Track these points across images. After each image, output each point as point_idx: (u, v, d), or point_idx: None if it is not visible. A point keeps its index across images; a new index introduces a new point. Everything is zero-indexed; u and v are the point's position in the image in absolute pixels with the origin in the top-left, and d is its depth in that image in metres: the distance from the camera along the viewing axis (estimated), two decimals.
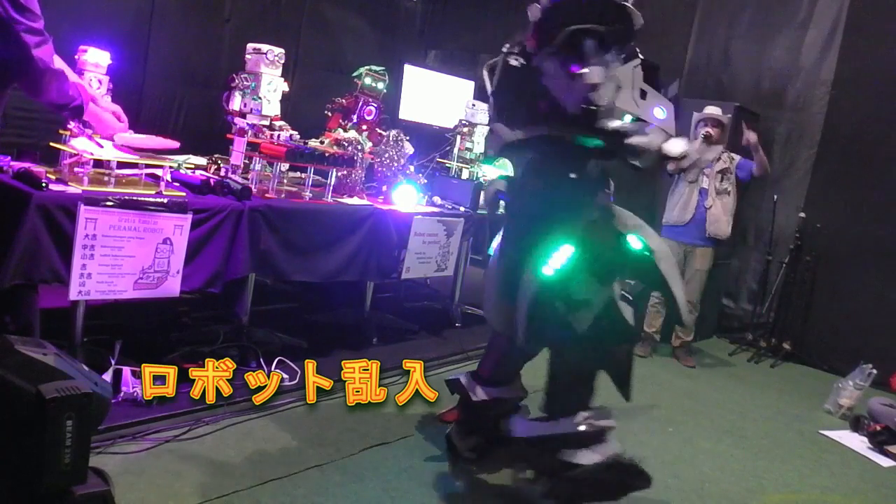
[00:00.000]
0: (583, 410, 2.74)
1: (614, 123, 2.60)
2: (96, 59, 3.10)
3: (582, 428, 2.69)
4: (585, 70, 2.55)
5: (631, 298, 2.87)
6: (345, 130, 4.20)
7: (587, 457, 2.65)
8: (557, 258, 2.63)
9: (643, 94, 2.72)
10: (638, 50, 2.78)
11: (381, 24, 6.48)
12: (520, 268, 2.73)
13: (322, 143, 4.09)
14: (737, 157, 5.36)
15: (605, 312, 2.71)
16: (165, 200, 3.02)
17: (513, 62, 2.75)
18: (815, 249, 5.87)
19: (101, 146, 2.96)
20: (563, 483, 2.68)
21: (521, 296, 2.69)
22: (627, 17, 2.62)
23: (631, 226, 2.76)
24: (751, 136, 5.22)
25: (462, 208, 4.65)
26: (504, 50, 2.82)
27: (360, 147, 4.08)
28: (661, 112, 2.76)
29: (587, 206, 2.77)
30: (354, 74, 4.37)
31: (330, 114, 4.33)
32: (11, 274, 2.61)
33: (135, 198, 2.92)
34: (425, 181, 4.69)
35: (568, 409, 2.75)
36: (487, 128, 3.22)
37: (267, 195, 3.56)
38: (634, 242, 2.71)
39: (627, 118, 2.68)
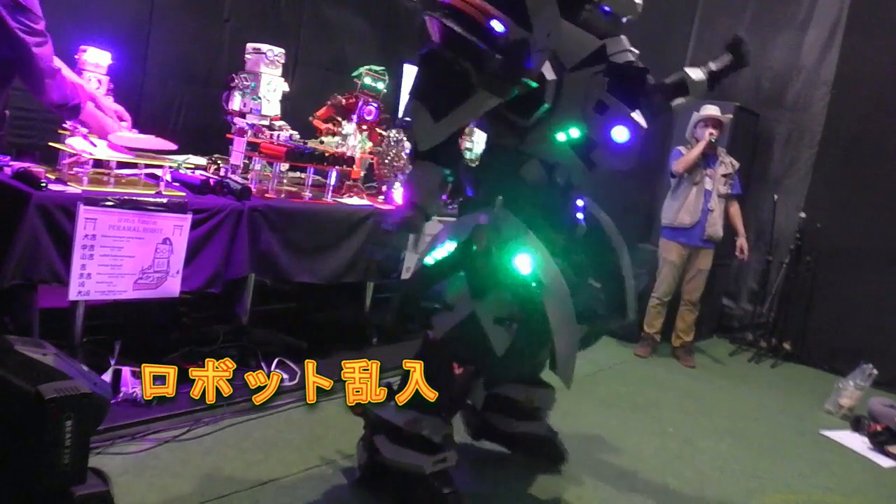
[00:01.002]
0: (429, 415, 2.63)
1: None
2: (96, 59, 3.10)
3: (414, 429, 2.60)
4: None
5: (511, 326, 2.46)
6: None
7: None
8: (439, 251, 2.52)
9: (602, 107, 2.33)
10: (624, 46, 2.51)
11: (381, 24, 6.46)
12: None
13: (320, 142, 4.09)
14: (737, 164, 5.37)
15: (466, 327, 2.43)
16: (165, 200, 3.02)
17: None
18: (815, 249, 5.87)
19: (96, 145, 2.96)
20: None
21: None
22: (502, 49, 2.17)
23: (524, 244, 2.39)
24: (742, 245, 5.45)
25: None
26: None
27: (358, 145, 4.09)
28: (621, 133, 2.33)
29: (483, 210, 2.49)
30: (354, 74, 4.37)
31: (325, 106, 4.32)
32: (11, 274, 2.61)
33: (134, 198, 2.92)
34: None
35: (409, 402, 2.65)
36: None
37: (267, 195, 3.56)
38: (523, 266, 2.35)
39: (574, 132, 2.38)
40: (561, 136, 2.42)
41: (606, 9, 2.49)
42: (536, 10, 2.13)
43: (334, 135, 4.15)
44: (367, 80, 4.31)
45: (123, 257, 2.88)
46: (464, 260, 2.44)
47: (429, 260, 2.53)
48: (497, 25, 2.11)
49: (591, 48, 2.38)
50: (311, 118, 4.24)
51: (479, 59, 2.13)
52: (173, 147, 3.20)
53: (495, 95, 2.25)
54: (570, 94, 2.35)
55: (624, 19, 2.59)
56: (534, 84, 2.29)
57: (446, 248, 2.50)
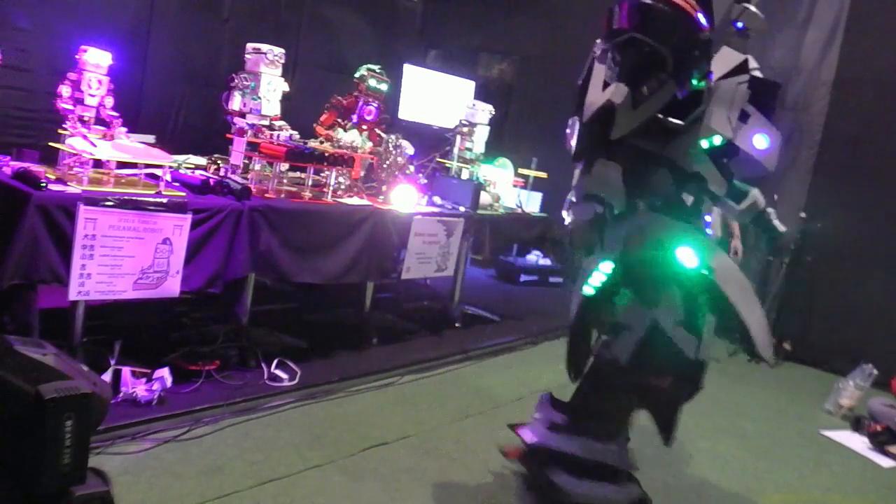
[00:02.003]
0: (611, 442, 2.53)
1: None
2: (97, 59, 3.09)
3: (599, 459, 2.49)
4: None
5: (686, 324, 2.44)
6: (344, 130, 4.20)
7: (588, 488, 2.47)
8: (597, 276, 2.43)
9: (744, 116, 2.40)
10: (752, 65, 2.47)
11: (381, 24, 6.48)
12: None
13: (320, 142, 4.09)
14: None
15: (651, 339, 2.43)
16: (165, 200, 3.01)
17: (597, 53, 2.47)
18: (815, 249, 5.86)
19: (96, 145, 2.96)
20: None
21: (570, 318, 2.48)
22: (699, 44, 2.27)
23: (681, 236, 2.39)
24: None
25: (462, 208, 4.65)
26: (598, 41, 2.52)
27: (355, 149, 4.09)
28: (762, 141, 2.41)
29: (629, 215, 2.46)
30: (357, 75, 4.37)
31: (326, 112, 4.33)
32: (10, 274, 2.60)
33: (134, 198, 2.92)
34: (425, 181, 4.69)
35: (590, 430, 2.56)
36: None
37: (266, 195, 3.56)
38: (687, 258, 2.35)
39: (718, 139, 2.40)
40: (703, 144, 2.43)
41: (739, 25, 2.50)
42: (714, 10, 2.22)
43: (332, 140, 4.14)
44: (372, 82, 4.31)
45: (123, 257, 2.88)
46: (626, 275, 2.40)
47: (587, 289, 2.45)
48: (702, 19, 2.17)
49: (736, 60, 2.45)
50: (315, 125, 4.25)
51: (687, 47, 2.19)
52: (169, 158, 3.20)
53: (679, 86, 2.27)
54: (719, 101, 2.39)
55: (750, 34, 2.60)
56: (702, 83, 2.33)
57: (602, 271, 2.43)
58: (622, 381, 2.52)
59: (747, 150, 2.42)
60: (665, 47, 2.22)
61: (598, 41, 2.48)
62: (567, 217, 2.62)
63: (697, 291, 2.40)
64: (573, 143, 2.54)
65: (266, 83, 3.79)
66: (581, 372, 2.65)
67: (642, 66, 2.27)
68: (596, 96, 2.33)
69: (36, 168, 2.93)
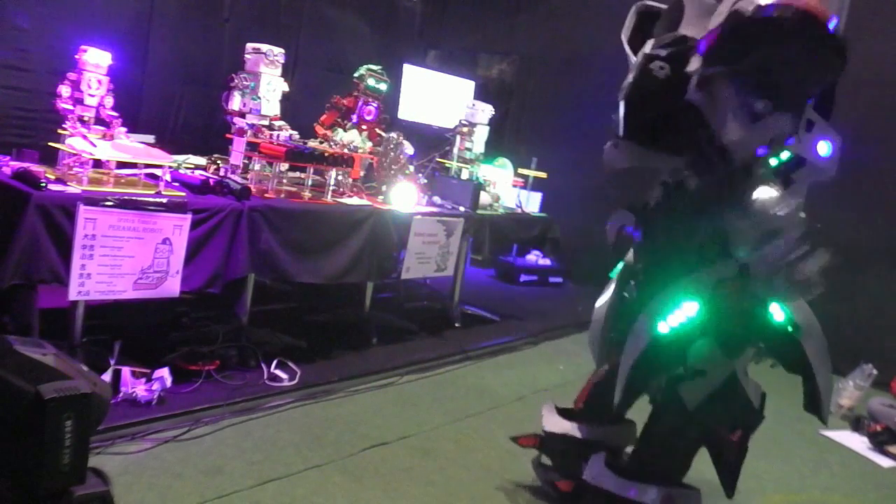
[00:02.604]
0: (668, 484, 2.50)
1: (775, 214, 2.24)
2: (97, 59, 3.10)
3: None
4: (767, 116, 2.15)
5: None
6: (344, 130, 4.20)
7: None
8: (677, 315, 2.33)
9: (809, 125, 2.30)
10: None
11: (381, 24, 6.49)
12: (634, 312, 2.44)
13: (320, 142, 4.09)
14: None
15: (725, 389, 2.41)
16: (165, 200, 3.02)
17: (655, 70, 2.23)
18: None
19: (96, 145, 2.96)
20: None
21: (628, 350, 2.35)
22: (840, 55, 2.12)
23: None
24: None
25: (461, 208, 4.65)
26: (647, 50, 2.29)
27: (354, 149, 4.09)
28: (825, 148, 2.33)
29: (723, 260, 2.36)
30: (356, 75, 4.37)
31: (327, 112, 4.33)
32: (10, 274, 2.60)
33: (134, 198, 2.92)
34: (425, 181, 4.69)
35: (651, 476, 2.52)
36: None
37: (266, 195, 3.56)
38: (777, 313, 2.34)
39: (785, 154, 2.32)
40: (772, 162, 2.35)
41: None
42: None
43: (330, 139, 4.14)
44: (371, 82, 4.32)
45: (123, 257, 2.88)
46: (712, 319, 2.32)
47: (663, 328, 2.35)
48: (832, 23, 2.06)
49: None
50: (315, 125, 4.25)
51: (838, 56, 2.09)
52: (169, 158, 3.20)
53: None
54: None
55: None
56: None
57: (684, 312, 2.34)
58: (683, 425, 2.50)
59: (812, 160, 2.34)
60: (810, 62, 2.11)
61: (647, 51, 2.28)
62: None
63: (779, 347, 2.41)
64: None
65: (266, 83, 3.79)
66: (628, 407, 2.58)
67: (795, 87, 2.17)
68: (742, 135, 2.19)
69: (36, 168, 2.93)
